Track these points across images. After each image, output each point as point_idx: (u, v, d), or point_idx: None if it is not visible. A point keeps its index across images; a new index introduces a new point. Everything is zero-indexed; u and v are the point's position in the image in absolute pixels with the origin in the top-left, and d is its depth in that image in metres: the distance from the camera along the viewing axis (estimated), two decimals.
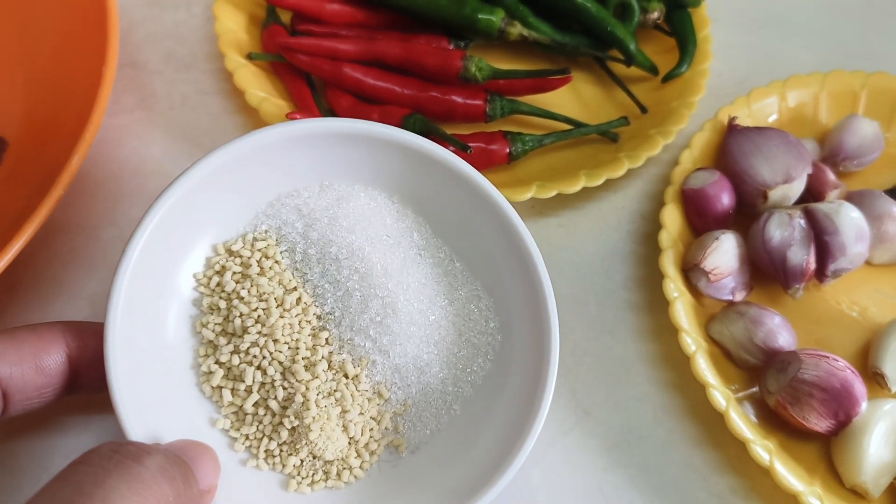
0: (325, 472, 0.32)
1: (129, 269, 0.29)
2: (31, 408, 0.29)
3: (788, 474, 0.34)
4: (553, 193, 0.41)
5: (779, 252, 0.39)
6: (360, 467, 0.32)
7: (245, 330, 0.32)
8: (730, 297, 0.40)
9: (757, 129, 0.43)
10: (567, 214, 0.45)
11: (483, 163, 0.43)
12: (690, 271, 0.40)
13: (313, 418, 0.31)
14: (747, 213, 0.42)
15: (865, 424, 0.36)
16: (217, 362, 0.32)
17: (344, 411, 0.32)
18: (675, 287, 0.39)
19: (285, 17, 0.49)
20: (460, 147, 0.41)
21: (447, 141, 0.41)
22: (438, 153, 0.33)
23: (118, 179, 0.43)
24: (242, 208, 0.34)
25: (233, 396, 0.32)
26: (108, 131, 0.44)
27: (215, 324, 0.32)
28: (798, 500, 0.34)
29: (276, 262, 0.33)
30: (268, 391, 0.32)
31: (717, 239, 0.39)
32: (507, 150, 0.43)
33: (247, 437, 0.32)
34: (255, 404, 0.32)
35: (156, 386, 0.30)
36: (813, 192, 0.43)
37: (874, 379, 0.39)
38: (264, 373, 0.32)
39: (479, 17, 0.45)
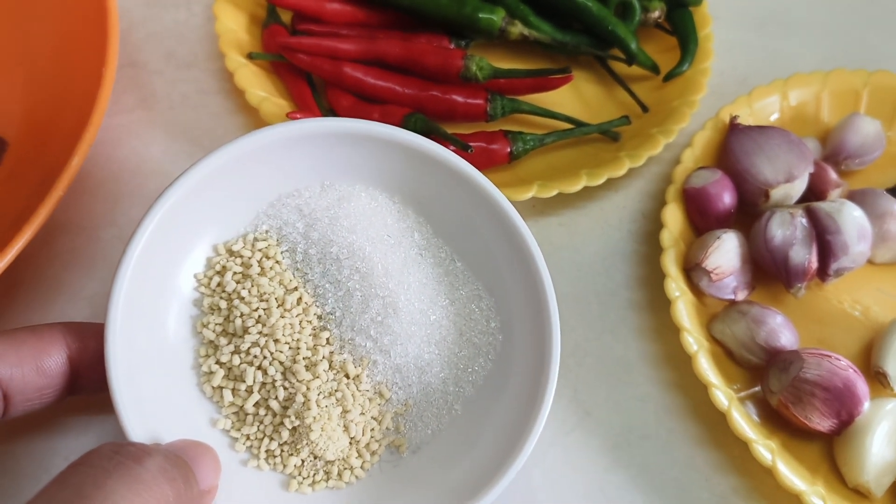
0: (326, 473, 0.32)
1: (130, 269, 0.29)
2: (32, 409, 0.29)
3: (791, 474, 0.34)
4: (554, 193, 0.41)
5: (781, 251, 0.39)
6: (362, 467, 0.32)
7: (246, 330, 0.32)
8: (731, 297, 0.40)
9: (758, 128, 0.43)
10: (568, 214, 0.45)
11: (484, 162, 0.43)
12: (692, 270, 0.40)
13: (314, 418, 0.31)
14: (749, 213, 0.42)
15: (868, 424, 0.35)
16: (218, 362, 0.32)
17: (345, 411, 0.32)
18: (676, 286, 0.39)
19: (286, 16, 0.49)
20: (461, 146, 0.41)
21: (448, 140, 0.41)
22: (439, 153, 0.33)
23: (118, 179, 0.43)
24: (243, 208, 0.34)
25: (233, 396, 0.32)
26: (108, 131, 0.44)
27: (216, 324, 0.32)
28: (801, 500, 0.34)
29: (277, 262, 0.33)
30: (268, 391, 0.32)
31: (718, 238, 0.39)
32: (508, 150, 0.43)
33: (247, 438, 0.32)
34: (256, 404, 0.32)
35: (156, 386, 0.30)
36: (815, 191, 0.43)
37: (876, 378, 0.39)
38: (265, 373, 0.31)
39: (480, 16, 0.45)
